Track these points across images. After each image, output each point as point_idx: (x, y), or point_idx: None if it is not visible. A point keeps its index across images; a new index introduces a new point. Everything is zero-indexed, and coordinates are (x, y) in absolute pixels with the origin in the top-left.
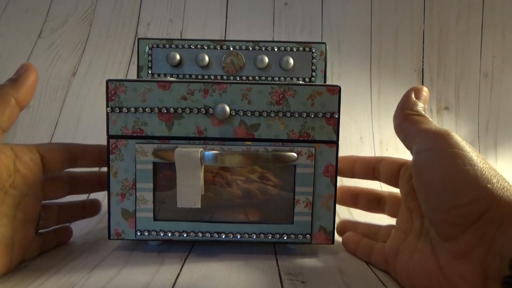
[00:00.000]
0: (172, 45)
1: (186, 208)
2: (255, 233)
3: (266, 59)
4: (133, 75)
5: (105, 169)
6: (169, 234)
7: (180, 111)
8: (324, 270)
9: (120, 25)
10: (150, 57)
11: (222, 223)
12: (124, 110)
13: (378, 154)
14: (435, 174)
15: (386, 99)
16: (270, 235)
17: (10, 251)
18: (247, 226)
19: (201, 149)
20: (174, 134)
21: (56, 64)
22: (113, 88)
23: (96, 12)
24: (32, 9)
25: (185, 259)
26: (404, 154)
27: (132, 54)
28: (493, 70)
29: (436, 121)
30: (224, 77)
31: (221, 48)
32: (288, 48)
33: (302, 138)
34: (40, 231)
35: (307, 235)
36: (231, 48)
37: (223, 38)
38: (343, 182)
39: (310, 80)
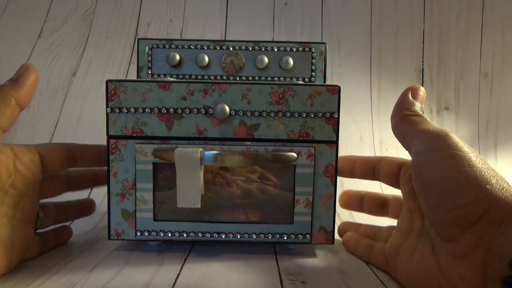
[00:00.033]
0: (172, 45)
1: (186, 208)
2: (255, 233)
3: (266, 59)
4: (133, 75)
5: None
6: (169, 234)
7: (180, 111)
8: (324, 270)
9: (120, 25)
10: (150, 57)
11: (222, 223)
12: (124, 110)
13: (378, 154)
14: (434, 175)
15: (386, 99)
16: (270, 235)
17: (10, 251)
18: (247, 226)
19: (201, 149)
20: (174, 134)
21: (56, 64)
22: (113, 88)
23: (96, 12)
24: (32, 9)
25: (185, 259)
26: (404, 154)
27: (132, 54)
28: (493, 70)
29: (436, 121)
30: (224, 77)
31: (221, 48)
32: (288, 48)
33: (302, 138)
34: (39, 231)
35: (307, 235)
36: (231, 48)
37: (223, 38)
38: (343, 182)
39: (310, 80)
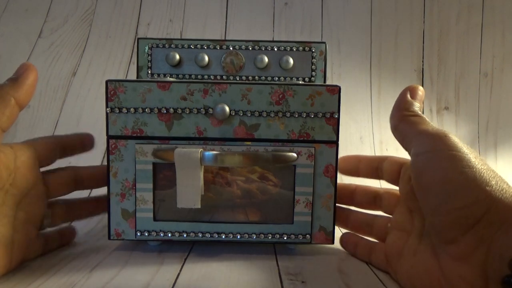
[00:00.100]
0: (172, 45)
1: (186, 208)
2: (255, 233)
3: (266, 59)
4: (133, 75)
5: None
6: (169, 234)
7: (180, 111)
8: (324, 270)
9: (120, 25)
10: (149, 57)
11: (222, 223)
12: (124, 110)
13: (378, 154)
14: (433, 177)
15: (386, 99)
16: (270, 235)
17: (10, 251)
18: (247, 226)
19: (201, 149)
20: (174, 134)
21: (56, 64)
22: (112, 89)
23: (96, 12)
24: (32, 9)
25: (185, 259)
26: (405, 153)
27: (132, 54)
28: (493, 70)
29: (436, 121)
30: (224, 77)
31: (221, 48)
32: (288, 48)
33: (302, 138)
34: (44, 231)
35: (307, 235)
36: (231, 48)
37: (223, 38)
38: (343, 181)
39: (310, 80)
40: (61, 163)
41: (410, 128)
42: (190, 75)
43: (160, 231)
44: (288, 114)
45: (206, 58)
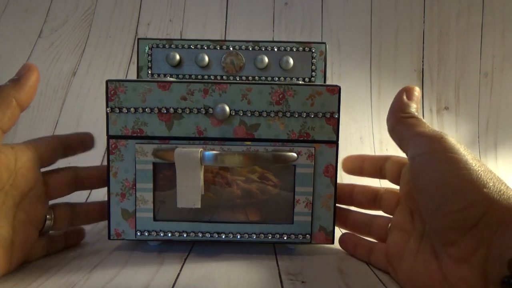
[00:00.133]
0: (172, 45)
1: (186, 208)
2: (255, 233)
3: (266, 59)
4: (133, 75)
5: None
6: (169, 234)
7: (180, 111)
8: (324, 270)
9: (120, 25)
10: (150, 57)
11: (222, 223)
12: (124, 110)
13: (378, 154)
14: (430, 179)
15: (386, 99)
16: (270, 235)
17: (10, 253)
18: (247, 226)
19: (201, 149)
20: (174, 134)
21: (56, 64)
22: (113, 88)
23: (96, 12)
24: (32, 9)
25: (185, 259)
26: None
27: (132, 54)
28: (493, 70)
29: (436, 121)
30: (224, 77)
31: (221, 48)
32: (288, 48)
33: (302, 138)
34: (50, 232)
35: (307, 235)
36: (231, 48)
37: (223, 38)
38: (343, 181)
39: (310, 80)
40: (61, 163)
41: (407, 130)
42: (190, 75)
43: (160, 231)
44: (288, 114)
45: (206, 58)
